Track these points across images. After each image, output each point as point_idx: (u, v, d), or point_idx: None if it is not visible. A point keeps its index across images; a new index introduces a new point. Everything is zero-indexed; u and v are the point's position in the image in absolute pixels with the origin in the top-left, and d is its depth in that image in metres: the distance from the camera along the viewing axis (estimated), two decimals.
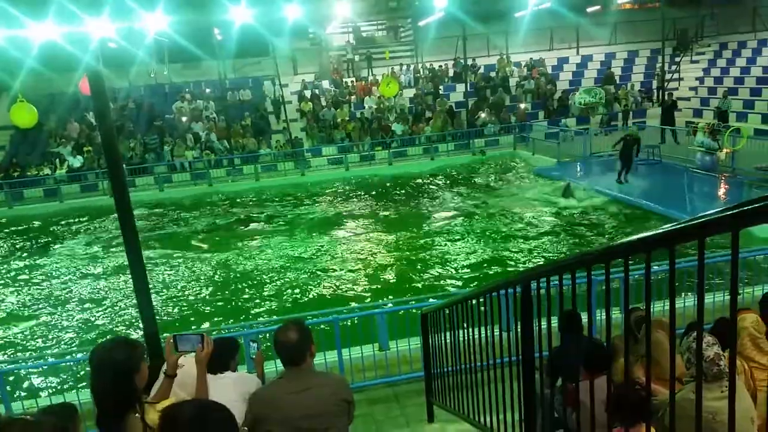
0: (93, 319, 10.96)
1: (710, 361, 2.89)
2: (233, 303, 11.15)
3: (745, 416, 2.91)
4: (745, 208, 1.27)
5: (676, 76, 27.68)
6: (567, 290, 2.60)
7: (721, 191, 14.60)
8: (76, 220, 18.90)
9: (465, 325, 4.00)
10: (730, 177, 15.30)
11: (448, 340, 4.54)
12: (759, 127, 20.48)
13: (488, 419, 3.53)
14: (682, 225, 1.46)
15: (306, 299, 11.04)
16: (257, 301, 11.13)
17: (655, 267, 5.89)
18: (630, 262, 1.82)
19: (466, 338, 3.96)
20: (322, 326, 8.25)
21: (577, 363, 3.38)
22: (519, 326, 2.88)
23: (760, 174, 13.88)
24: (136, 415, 2.67)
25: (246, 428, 3.10)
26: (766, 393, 3.48)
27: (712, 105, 23.64)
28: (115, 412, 2.64)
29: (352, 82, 28.33)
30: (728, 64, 26.56)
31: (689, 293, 6.90)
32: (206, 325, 10.11)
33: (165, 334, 4.01)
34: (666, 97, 22.36)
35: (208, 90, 27.62)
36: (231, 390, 3.30)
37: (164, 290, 12.06)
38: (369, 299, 10.73)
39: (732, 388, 1.61)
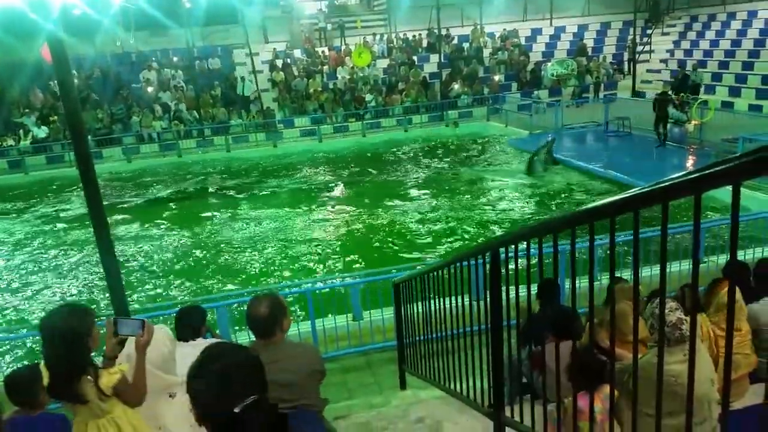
0: (62, 292, 10.78)
1: (672, 326, 2.96)
2: (203, 275, 11.06)
3: (706, 378, 3.00)
4: (707, 171, 1.28)
5: (647, 48, 27.87)
6: (539, 257, 2.63)
7: (689, 162, 14.86)
8: (42, 192, 18.44)
9: (436, 294, 4.03)
10: (698, 148, 15.57)
11: (419, 310, 4.58)
12: (726, 100, 20.84)
13: (459, 385, 3.58)
14: (647, 189, 1.48)
15: (279, 271, 11.01)
16: (229, 273, 11.06)
17: (620, 237, 5.99)
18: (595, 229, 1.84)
19: (437, 307, 4.00)
20: (291, 298, 8.28)
21: (546, 329, 3.45)
22: (488, 294, 2.90)
23: (727, 145, 14.15)
24: (89, 378, 2.66)
25: None
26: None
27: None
28: (68, 378, 2.63)
29: (323, 51, 27.90)
30: (698, 36, 26.83)
31: (657, 265, 7.05)
32: (177, 297, 10.03)
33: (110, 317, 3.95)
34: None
35: (175, 59, 26.91)
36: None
37: (132, 261, 11.90)
38: (342, 270, 10.74)
39: (692, 352, 1.65)
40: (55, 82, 21.72)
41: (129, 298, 9.14)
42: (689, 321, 3.52)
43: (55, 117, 22.37)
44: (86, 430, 2.79)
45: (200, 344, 3.53)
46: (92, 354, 2.83)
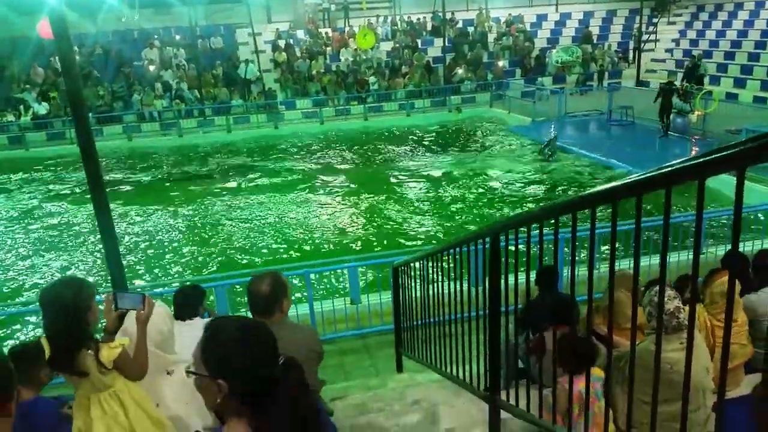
0: (61, 267, 10.80)
1: (670, 314, 2.97)
2: (202, 255, 11.08)
3: (702, 367, 3.02)
4: (709, 157, 1.27)
5: (653, 37, 27.66)
6: (539, 243, 2.62)
7: (692, 152, 14.83)
8: (43, 168, 18.42)
9: (435, 278, 4.04)
10: (701, 139, 15.52)
11: (418, 294, 4.59)
12: (731, 91, 20.72)
13: (455, 369, 3.60)
14: (649, 174, 1.47)
15: (278, 253, 11.02)
16: (227, 254, 11.07)
17: (622, 226, 5.98)
18: (597, 215, 1.83)
19: (435, 292, 4.01)
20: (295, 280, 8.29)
21: (545, 317, 3.46)
22: (487, 279, 2.91)
23: (731, 137, 14.09)
24: (89, 351, 2.67)
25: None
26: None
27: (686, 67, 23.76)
28: (67, 350, 2.64)
29: (327, 33, 27.68)
30: (704, 26, 26.61)
31: (656, 255, 7.05)
32: (176, 276, 10.05)
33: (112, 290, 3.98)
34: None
35: (178, 37, 26.70)
36: (200, 334, 3.30)
37: (131, 240, 11.91)
38: (342, 253, 10.75)
39: (690, 340, 1.65)
40: (56, 58, 21.64)
41: (127, 276, 9.18)
42: (687, 310, 3.53)
43: (56, 93, 22.25)
44: (88, 403, 2.81)
45: (198, 324, 3.55)
46: (92, 328, 2.84)
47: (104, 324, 2.95)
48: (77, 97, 4.79)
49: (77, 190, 15.41)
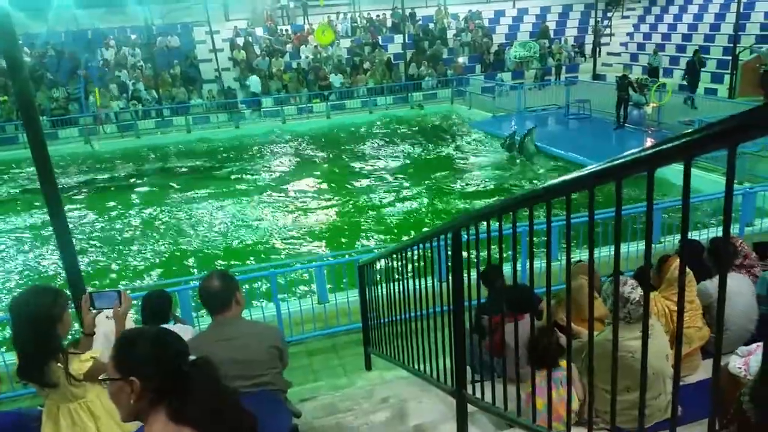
0: (18, 278, 10.47)
1: (636, 304, 3.02)
2: (164, 259, 10.88)
3: (660, 353, 3.09)
4: (659, 147, 1.30)
5: (608, 31, 28.25)
6: (505, 236, 2.64)
7: (647, 143, 15.15)
8: None
9: (400, 275, 4.04)
10: (656, 130, 15.92)
11: (384, 291, 4.59)
12: (683, 83, 21.30)
13: (423, 366, 3.61)
14: (602, 166, 1.49)
15: (242, 255, 10.89)
16: (189, 257, 10.89)
17: (575, 219, 6.09)
18: (553, 208, 1.86)
19: (401, 288, 4.01)
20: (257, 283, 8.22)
21: (495, 312, 3.49)
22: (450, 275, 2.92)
23: (684, 127, 14.47)
24: (59, 364, 2.61)
25: None
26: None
27: (641, 61, 24.34)
28: (37, 361, 2.58)
29: (286, 30, 27.45)
30: (656, 20, 27.31)
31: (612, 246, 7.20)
32: (137, 283, 9.84)
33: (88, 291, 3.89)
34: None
35: (133, 36, 26.13)
36: None
37: (89, 247, 11.61)
38: (306, 253, 10.70)
39: (645, 327, 1.69)
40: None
41: (88, 283, 8.95)
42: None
43: (5, 97, 21.51)
44: (57, 412, 2.74)
45: (172, 328, 3.51)
46: (62, 339, 2.76)
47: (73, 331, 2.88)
48: (27, 101, 4.63)
49: (31, 196, 14.93)
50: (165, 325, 3.73)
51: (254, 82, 23.53)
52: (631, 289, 3.05)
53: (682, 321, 1.50)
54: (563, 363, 2.78)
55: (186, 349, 1.71)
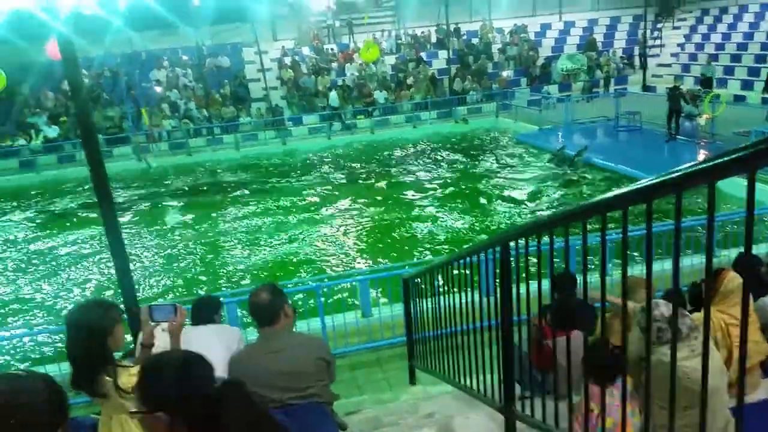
0: (76, 293, 10.86)
1: (664, 321, 2.89)
2: (214, 273, 11.10)
3: (714, 371, 2.97)
4: (719, 160, 1.26)
5: (658, 42, 27.64)
6: (549, 251, 2.60)
7: (700, 156, 14.73)
8: (54, 191, 18.59)
9: (445, 289, 4.02)
10: (710, 142, 15.43)
11: (429, 305, 4.56)
12: (738, 93, 20.63)
13: (469, 381, 3.56)
14: (659, 179, 1.45)
15: (289, 269, 11.03)
16: (239, 272, 11.09)
17: (633, 232, 5.93)
18: (608, 222, 1.81)
19: (447, 303, 3.98)
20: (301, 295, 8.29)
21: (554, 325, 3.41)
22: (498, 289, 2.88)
23: (739, 139, 14.00)
24: (108, 378, 2.68)
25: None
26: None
27: (693, 71, 23.72)
28: (87, 372, 2.65)
29: (332, 49, 27.89)
30: (709, 30, 26.58)
31: (669, 260, 6.98)
32: (186, 295, 10.06)
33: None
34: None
35: (185, 57, 27.02)
36: (213, 336, 3.38)
37: (143, 262, 11.96)
38: (352, 268, 10.74)
39: (706, 346, 1.63)
40: (66, 82, 21.95)
41: (140, 295, 9.21)
42: (694, 316, 3.49)
43: (65, 117, 22.52)
44: (110, 423, 2.82)
45: (210, 327, 3.61)
46: (116, 351, 2.84)
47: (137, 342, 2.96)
48: (86, 120, 4.83)
49: (87, 211, 15.51)
50: (213, 325, 3.81)
51: (333, 97, 24.01)
52: (663, 310, 2.93)
53: (746, 340, 1.43)
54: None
55: (211, 372, 1.68)
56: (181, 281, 10.86)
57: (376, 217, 13.52)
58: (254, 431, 1.63)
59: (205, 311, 4.02)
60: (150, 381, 1.62)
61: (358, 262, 11.07)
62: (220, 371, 3.16)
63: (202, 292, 9.97)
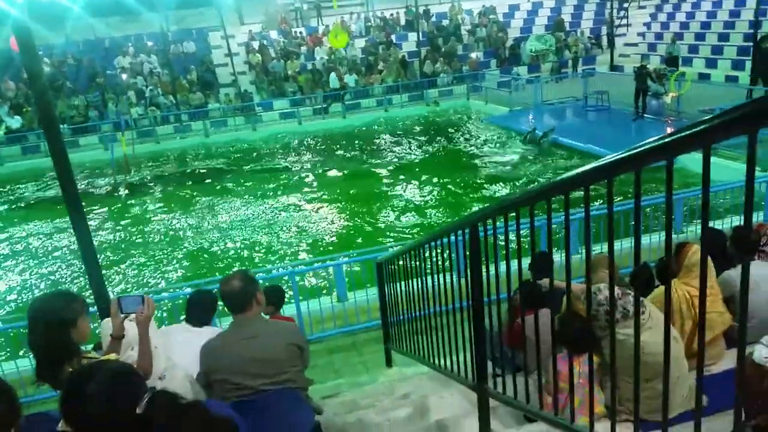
0: (42, 286, 10.65)
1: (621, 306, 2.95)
2: (185, 262, 11.00)
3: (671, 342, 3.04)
4: (678, 135, 1.29)
5: (624, 22, 27.89)
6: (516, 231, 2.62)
7: (667, 133, 14.95)
8: (18, 183, 18.13)
9: (418, 271, 4.04)
10: (676, 120, 15.70)
11: (403, 288, 4.59)
12: (703, 72, 20.98)
13: (443, 361, 3.60)
14: (620, 156, 1.48)
15: (262, 255, 10.97)
16: (212, 260, 11.00)
17: (594, 211, 6.03)
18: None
19: (420, 285, 4.01)
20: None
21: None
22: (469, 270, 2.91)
23: (704, 116, 14.25)
24: (71, 370, 2.64)
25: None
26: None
27: (659, 50, 24.01)
28: (50, 365, 2.61)
29: (300, 32, 27.56)
30: (674, 9, 26.87)
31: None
32: (162, 284, 9.96)
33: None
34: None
35: (150, 43, 26.43)
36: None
37: (112, 252, 11.78)
38: (326, 253, 10.73)
39: (667, 318, 1.67)
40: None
41: (111, 287, 9.09)
42: (655, 292, 3.58)
43: (28, 107, 21.89)
44: None
45: (204, 332, 3.56)
46: (80, 343, 2.79)
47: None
48: (47, 110, 4.70)
49: (54, 202, 15.16)
50: (205, 328, 3.76)
51: (333, 79, 23.79)
52: (606, 293, 2.97)
53: (704, 308, 1.48)
54: (585, 355, 2.76)
55: (141, 387, 1.57)
56: (152, 270, 10.73)
57: (350, 202, 13.50)
58: None
59: (205, 309, 3.96)
60: (71, 400, 1.51)
61: (333, 247, 11.06)
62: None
63: (173, 280, 9.88)
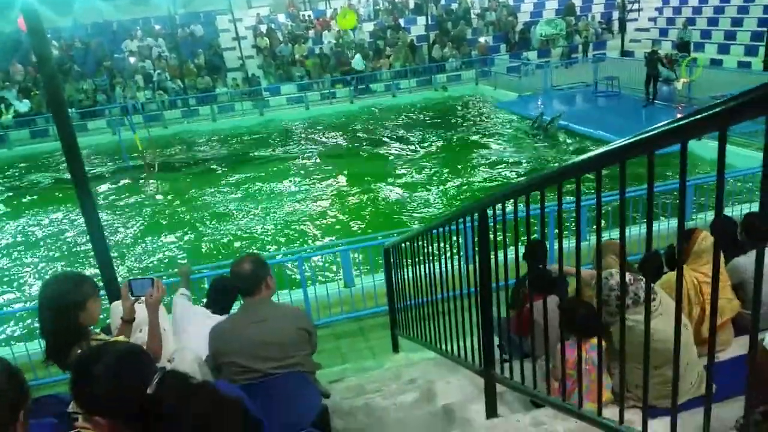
0: (51, 270, 10.73)
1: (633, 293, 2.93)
2: (195, 247, 11.03)
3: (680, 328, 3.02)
4: (689, 119, 1.26)
5: (636, 6, 27.52)
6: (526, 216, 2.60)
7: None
8: (27, 167, 18.20)
9: (425, 257, 4.03)
10: (687, 106, 15.52)
11: (410, 274, 4.58)
12: (715, 57, 20.71)
13: (450, 346, 3.61)
14: (631, 140, 1.45)
15: (270, 240, 10.99)
16: (219, 244, 11.03)
17: (606, 196, 5.97)
18: (582, 185, 1.81)
19: (427, 270, 4.00)
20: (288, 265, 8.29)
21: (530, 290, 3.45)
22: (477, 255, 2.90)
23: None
24: (79, 351, 2.65)
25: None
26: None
27: (671, 35, 23.70)
28: (58, 346, 2.63)
29: (308, 15, 27.37)
30: None
31: (644, 223, 7.06)
32: (169, 270, 10.00)
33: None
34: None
35: (157, 27, 26.34)
36: None
37: (121, 235, 11.83)
38: (334, 238, 10.74)
39: (678, 305, 1.66)
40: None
41: (121, 270, 9.13)
42: (663, 278, 3.54)
43: (37, 90, 21.92)
44: None
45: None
46: (89, 325, 2.80)
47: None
48: (56, 94, 4.70)
49: (64, 185, 15.22)
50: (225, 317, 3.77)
51: (358, 60, 23.72)
52: (618, 279, 2.96)
53: (716, 295, 1.46)
54: (593, 341, 2.75)
55: (150, 367, 1.55)
56: (160, 255, 10.78)
57: (358, 187, 13.47)
58: (204, 420, 1.51)
59: (228, 296, 3.96)
60: (79, 381, 1.50)
61: (340, 232, 11.06)
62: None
63: (182, 263, 9.90)
